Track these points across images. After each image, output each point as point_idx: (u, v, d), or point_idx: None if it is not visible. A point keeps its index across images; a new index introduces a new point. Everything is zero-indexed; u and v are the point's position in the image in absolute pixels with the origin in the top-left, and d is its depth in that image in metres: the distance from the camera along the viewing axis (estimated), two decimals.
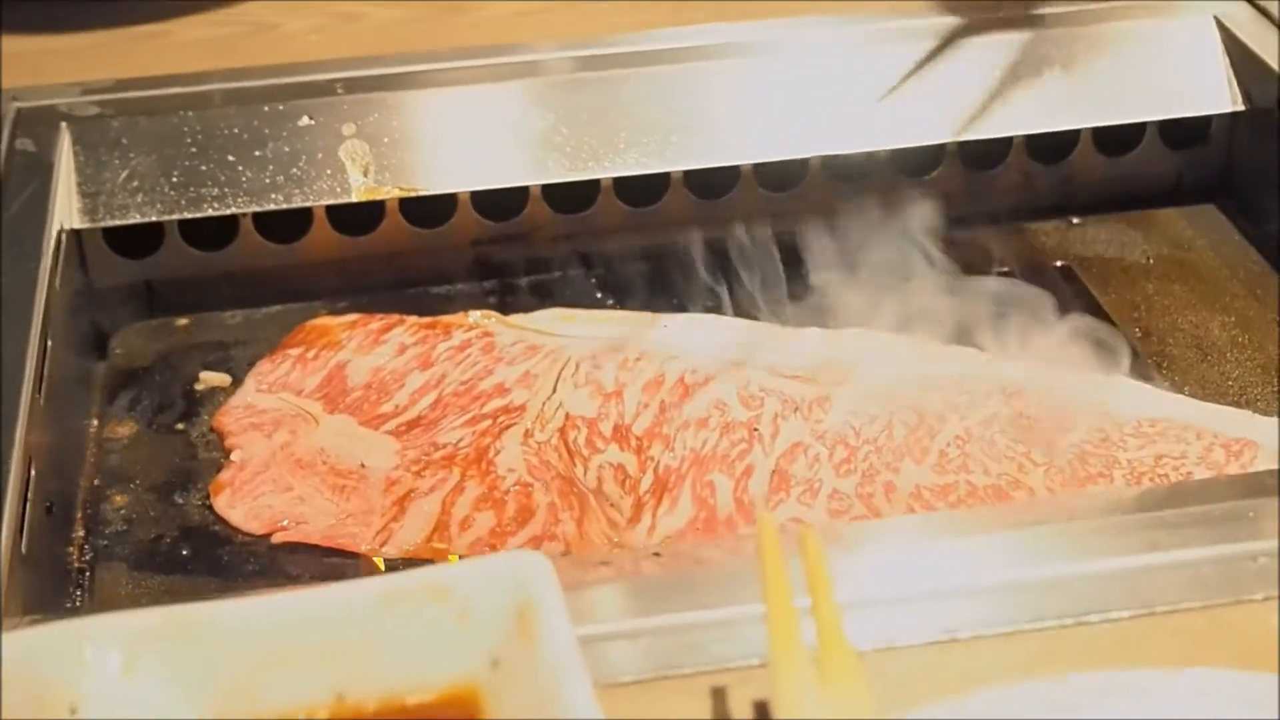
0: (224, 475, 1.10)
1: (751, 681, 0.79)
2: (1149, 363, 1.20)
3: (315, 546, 1.05)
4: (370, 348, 1.19)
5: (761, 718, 0.77)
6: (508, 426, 1.10)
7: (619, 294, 1.28)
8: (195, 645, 0.72)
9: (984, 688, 0.75)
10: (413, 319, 1.21)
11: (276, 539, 1.05)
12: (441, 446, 1.09)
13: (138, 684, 0.71)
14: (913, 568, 0.86)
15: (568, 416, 1.11)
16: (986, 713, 0.71)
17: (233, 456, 1.11)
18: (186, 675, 0.72)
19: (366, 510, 1.05)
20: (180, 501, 1.09)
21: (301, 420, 1.13)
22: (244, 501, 1.07)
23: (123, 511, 1.08)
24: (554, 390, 1.12)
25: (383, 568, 1.03)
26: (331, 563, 1.03)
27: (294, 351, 1.20)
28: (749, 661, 0.80)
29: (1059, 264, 1.31)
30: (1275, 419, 1.11)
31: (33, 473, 0.97)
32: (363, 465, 1.09)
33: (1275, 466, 1.06)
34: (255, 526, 1.06)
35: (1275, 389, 1.16)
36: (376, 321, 1.21)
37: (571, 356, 1.15)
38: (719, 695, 0.79)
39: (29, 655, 0.70)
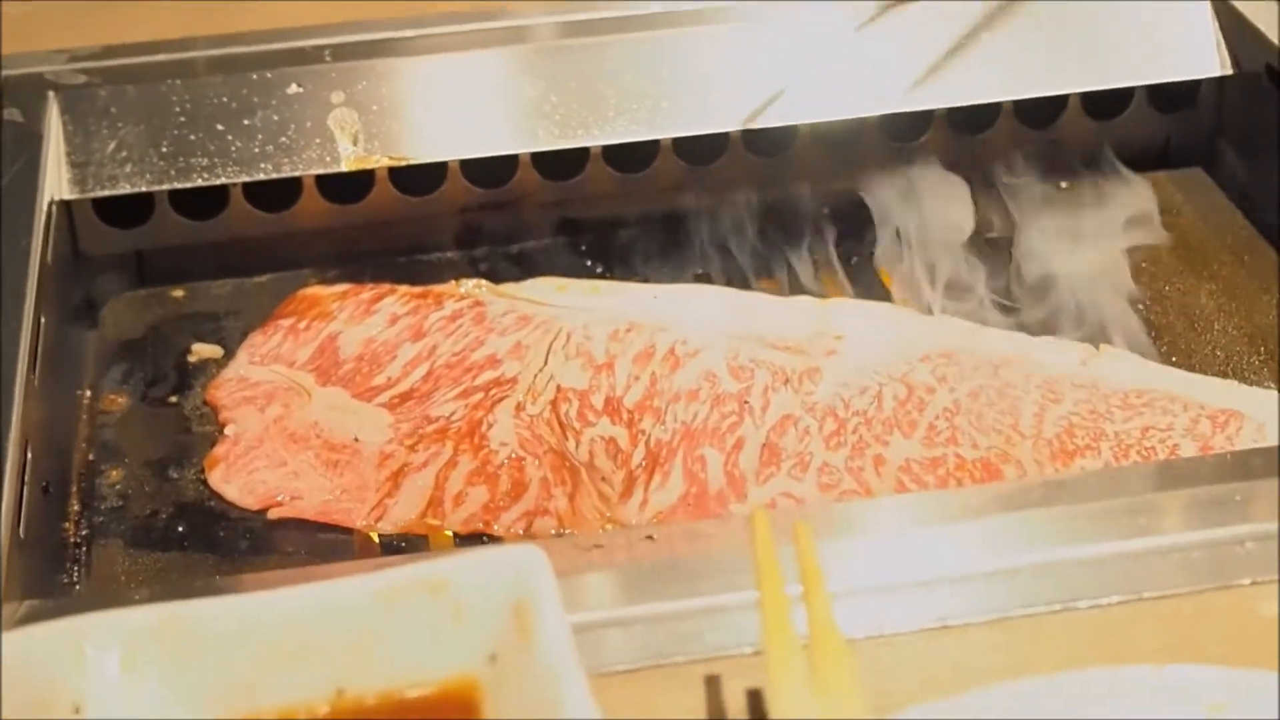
0: (218, 450, 1.10)
1: (745, 671, 0.79)
2: (1136, 331, 1.20)
3: (310, 523, 1.05)
4: (361, 318, 1.19)
5: (755, 707, 0.78)
6: (500, 399, 1.10)
7: (608, 261, 1.29)
8: (194, 643, 0.73)
9: (975, 677, 0.76)
10: (404, 289, 1.21)
11: (272, 515, 1.05)
12: (434, 420, 1.10)
13: (138, 682, 0.72)
14: (902, 555, 0.87)
15: (559, 389, 1.11)
16: (978, 711, 0.71)
17: (226, 431, 1.12)
18: (186, 673, 0.73)
19: (360, 485, 1.06)
20: (175, 477, 1.09)
21: (294, 393, 1.14)
22: (238, 476, 1.08)
23: (118, 487, 1.09)
24: (545, 362, 1.13)
25: (377, 541, 1.03)
26: (326, 538, 1.04)
27: (285, 322, 1.20)
28: (742, 650, 0.80)
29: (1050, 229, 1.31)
30: (1260, 390, 1.11)
31: (29, 455, 0.97)
32: (356, 439, 1.09)
33: (1261, 440, 1.06)
34: (250, 502, 1.07)
35: (1261, 357, 1.16)
36: (367, 291, 1.22)
37: (563, 328, 1.15)
38: (712, 684, 0.80)
39: (29, 655, 0.70)
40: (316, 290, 1.23)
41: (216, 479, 1.08)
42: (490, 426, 1.08)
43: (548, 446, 1.07)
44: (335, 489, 1.06)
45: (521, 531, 1.02)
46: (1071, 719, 0.71)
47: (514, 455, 1.06)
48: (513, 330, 1.16)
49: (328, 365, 1.16)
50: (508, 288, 1.21)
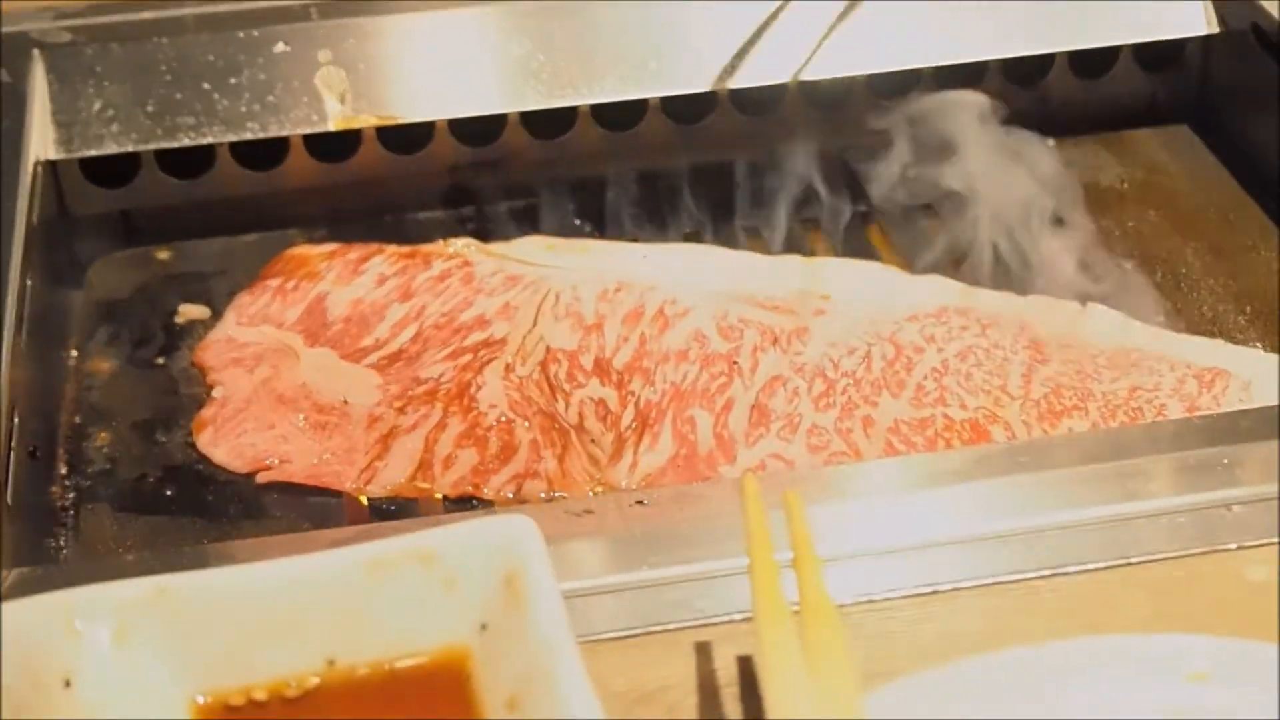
0: (206, 412, 1.10)
1: (736, 637, 0.80)
2: (1123, 289, 1.20)
3: (299, 486, 1.05)
4: (350, 278, 1.19)
5: (745, 674, 0.78)
6: (489, 360, 1.10)
7: (596, 220, 1.28)
8: (185, 615, 0.73)
9: (963, 643, 0.77)
10: (392, 248, 1.21)
11: (260, 479, 1.05)
12: (423, 381, 1.10)
13: (129, 655, 0.72)
14: (891, 520, 0.87)
15: (549, 350, 1.11)
16: (965, 681, 0.71)
17: (214, 393, 1.12)
18: (177, 645, 0.73)
19: (349, 448, 1.06)
20: (163, 440, 1.09)
21: (282, 354, 1.13)
22: (227, 439, 1.08)
23: (105, 450, 1.08)
24: (534, 323, 1.13)
25: (366, 504, 1.03)
26: (316, 502, 1.04)
27: (274, 282, 1.20)
28: (732, 616, 0.81)
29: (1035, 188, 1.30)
30: (1246, 349, 1.12)
31: (16, 419, 0.97)
32: (345, 401, 1.09)
33: (1247, 399, 1.07)
34: (238, 465, 1.07)
35: (1248, 316, 1.17)
36: (355, 251, 1.21)
37: (552, 288, 1.15)
38: (703, 651, 0.80)
39: (20, 630, 0.70)
40: (304, 250, 1.23)
41: (204, 442, 1.08)
42: (479, 388, 1.08)
43: (537, 408, 1.07)
44: (323, 452, 1.06)
45: (511, 494, 1.02)
46: (1057, 689, 0.71)
47: (503, 418, 1.06)
48: (501, 291, 1.16)
49: (316, 326, 1.16)
50: (496, 247, 1.21)
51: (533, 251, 1.20)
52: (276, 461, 1.06)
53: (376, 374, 1.11)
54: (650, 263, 1.18)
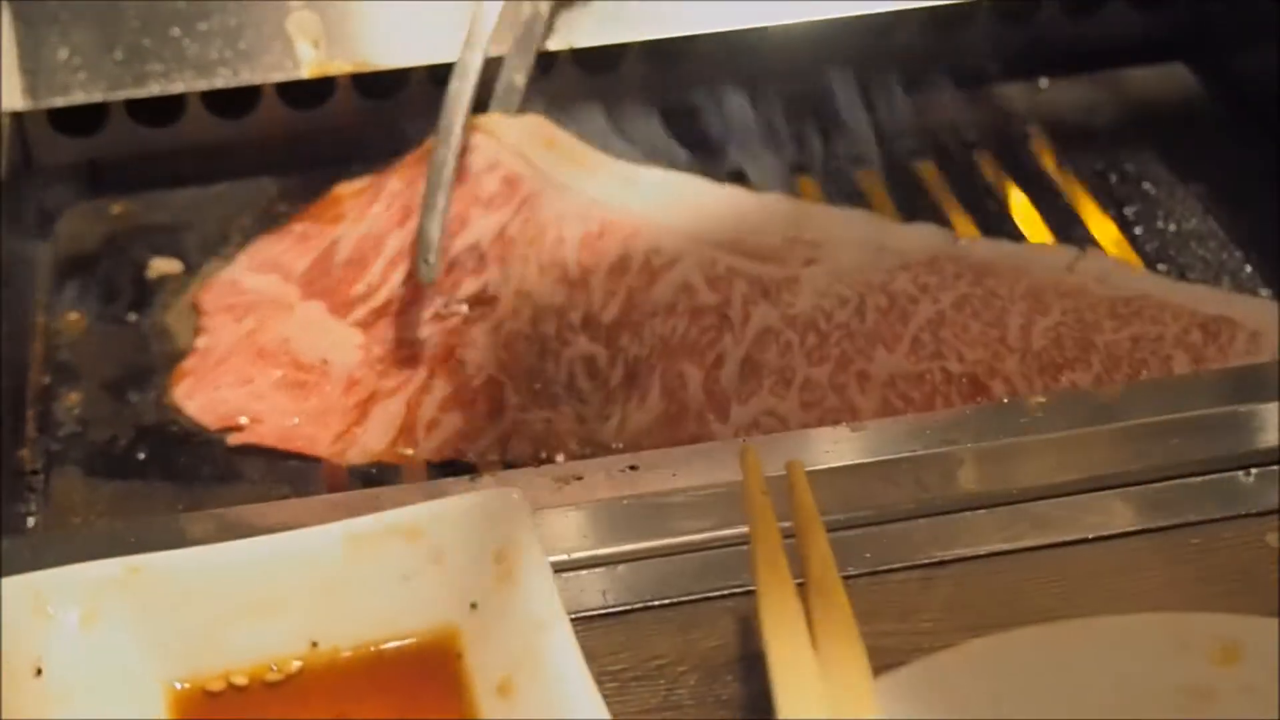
0: (187, 362, 1.08)
1: (736, 611, 0.77)
2: (1122, 233, 1.17)
3: (275, 449, 1.02)
4: (364, 212, 1.15)
5: (747, 649, 0.76)
6: (476, 321, 1.06)
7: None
8: (159, 596, 0.70)
9: (975, 615, 0.74)
10: (411, 158, 1.17)
11: (231, 440, 1.02)
12: (408, 343, 1.06)
13: (101, 637, 0.69)
14: (896, 485, 0.84)
15: (536, 307, 1.07)
16: (976, 663, 0.69)
17: (197, 342, 1.09)
18: (151, 627, 0.70)
19: (324, 410, 1.03)
20: (134, 400, 1.06)
21: (275, 306, 1.10)
22: (203, 392, 1.05)
23: (75, 411, 1.05)
24: (522, 277, 1.09)
25: (346, 468, 1.00)
26: (292, 466, 1.01)
27: (298, 227, 1.16)
28: (733, 589, 0.78)
29: (1028, 129, 1.28)
30: (1252, 297, 1.09)
31: None
32: (325, 361, 1.06)
33: (1254, 349, 1.04)
34: (209, 420, 1.04)
35: (1252, 260, 1.14)
36: (394, 179, 1.16)
37: (541, 223, 1.10)
38: (701, 626, 0.77)
39: None
40: (341, 188, 1.18)
41: (180, 393, 1.05)
42: (467, 348, 1.05)
43: (525, 366, 1.04)
44: (298, 413, 1.03)
45: (496, 456, 0.99)
46: (1074, 672, 0.68)
47: (491, 377, 1.03)
48: (499, 205, 1.11)
49: (317, 275, 1.12)
50: (499, 127, 1.15)
51: (533, 144, 1.15)
52: (248, 421, 1.02)
53: (360, 333, 1.08)
54: (637, 192, 1.14)
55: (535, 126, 1.16)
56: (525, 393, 1.02)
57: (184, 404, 1.05)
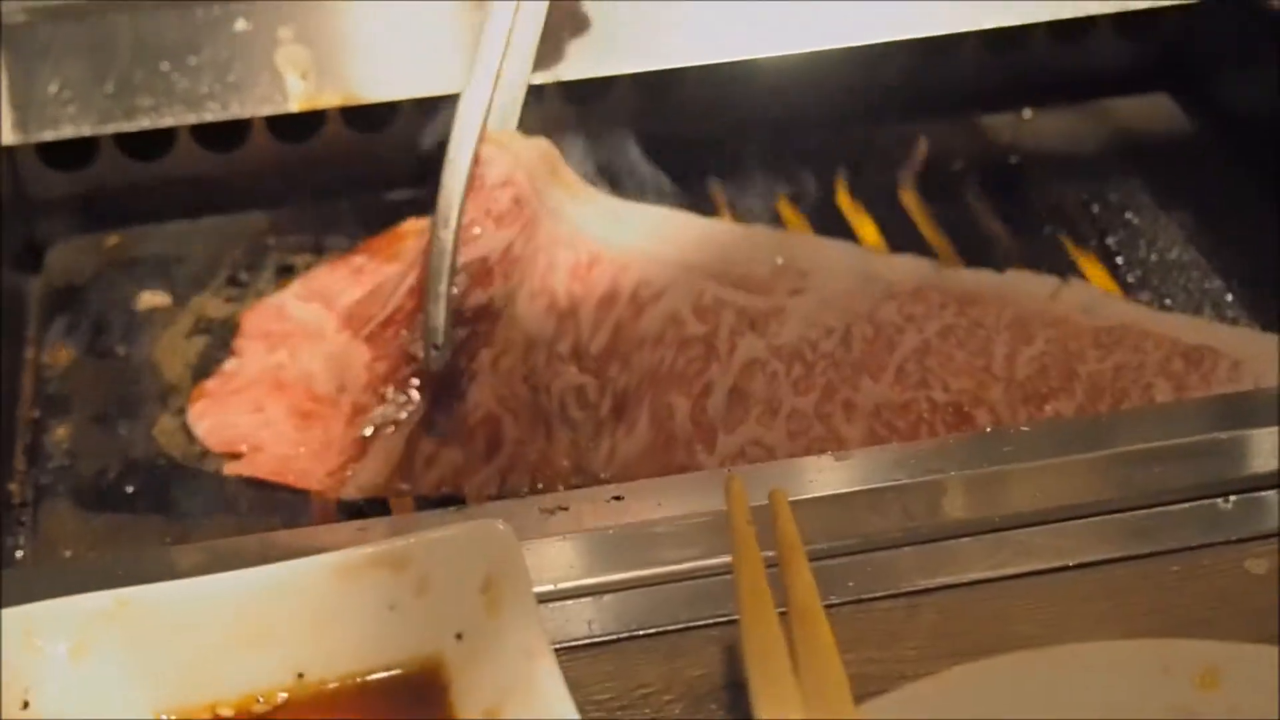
0: (209, 383, 1.09)
1: (720, 640, 0.77)
2: (1104, 263, 1.18)
3: (266, 481, 1.02)
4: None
5: (731, 678, 0.76)
6: (475, 351, 1.06)
7: None
8: (147, 628, 0.70)
9: (961, 642, 0.74)
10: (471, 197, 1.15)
11: (227, 469, 1.02)
12: (412, 359, 1.05)
13: (90, 670, 0.70)
14: (881, 513, 0.84)
15: (527, 338, 1.07)
16: (959, 689, 0.69)
17: (225, 364, 1.10)
18: (140, 660, 0.70)
19: (325, 443, 1.03)
20: (123, 433, 1.06)
21: (309, 339, 1.10)
22: (215, 415, 1.06)
23: (64, 444, 1.06)
24: (516, 305, 1.09)
25: (334, 500, 1.01)
26: (283, 497, 1.01)
27: (357, 260, 1.15)
28: (716, 618, 0.78)
29: (1013, 159, 1.29)
30: (1234, 327, 1.10)
31: None
32: (341, 389, 1.05)
33: (1235, 378, 1.04)
34: (214, 443, 1.04)
35: (1234, 290, 1.15)
36: None
37: (535, 247, 1.10)
38: (686, 655, 0.78)
39: None
40: (406, 226, 1.18)
41: (195, 412, 1.06)
42: (466, 379, 1.05)
43: (520, 401, 1.04)
44: (299, 444, 1.03)
45: (494, 490, 0.99)
46: (1057, 699, 0.69)
47: (489, 413, 1.03)
48: (508, 222, 1.09)
49: (359, 309, 1.11)
50: (515, 143, 1.14)
51: (540, 168, 1.14)
52: (249, 448, 1.02)
53: (368, 349, 1.07)
54: (626, 227, 1.14)
55: (544, 151, 1.15)
56: (523, 425, 1.02)
57: (195, 424, 1.06)
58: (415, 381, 1.04)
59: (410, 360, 1.05)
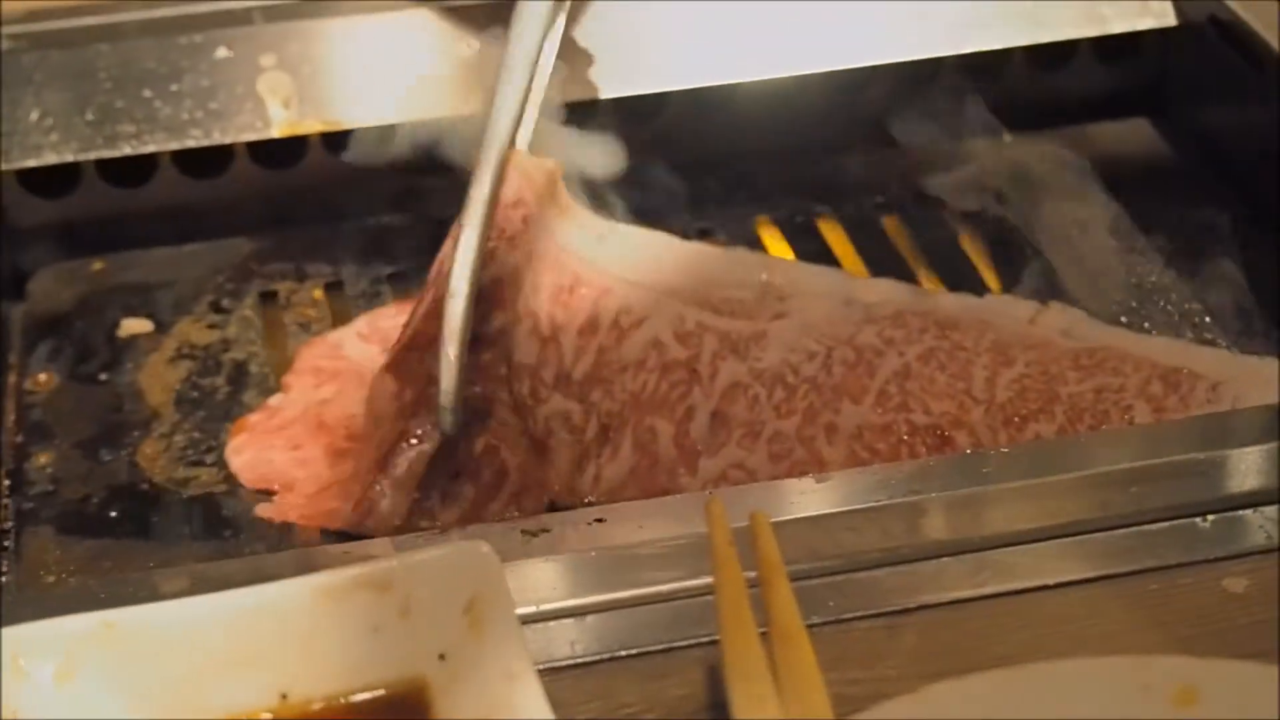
0: (252, 417, 1.09)
1: (702, 661, 0.78)
2: (1085, 287, 1.18)
3: (248, 500, 1.02)
4: None
5: (714, 698, 0.76)
6: (490, 364, 1.05)
7: None
8: (132, 650, 0.71)
9: (939, 662, 0.75)
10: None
11: (259, 512, 1.02)
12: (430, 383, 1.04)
13: (75, 692, 0.70)
14: (861, 534, 0.84)
15: (511, 365, 1.07)
16: (937, 707, 0.69)
17: (271, 400, 1.10)
18: (125, 681, 0.71)
19: (353, 478, 1.02)
20: (108, 459, 1.07)
21: (358, 379, 1.09)
22: (252, 450, 1.06)
23: (48, 471, 1.06)
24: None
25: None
26: (263, 527, 1.01)
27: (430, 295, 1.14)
28: (699, 639, 0.78)
29: (992, 183, 1.29)
30: (1212, 349, 1.10)
31: None
32: (376, 423, 1.05)
33: (1215, 400, 1.05)
34: (248, 478, 1.04)
35: (1213, 312, 1.15)
36: None
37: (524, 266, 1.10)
38: (668, 676, 0.78)
39: None
40: None
41: (232, 447, 1.07)
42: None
43: (513, 429, 1.04)
44: (332, 481, 1.02)
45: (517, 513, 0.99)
46: (1036, 716, 0.69)
47: (489, 444, 1.02)
48: (519, 244, 1.08)
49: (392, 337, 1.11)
50: (528, 165, 1.12)
51: (547, 189, 1.13)
52: (281, 489, 1.02)
53: (393, 380, 1.05)
54: (608, 248, 1.14)
55: (550, 171, 1.13)
56: (521, 455, 1.02)
57: (231, 458, 1.06)
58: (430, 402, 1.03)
59: (433, 386, 1.03)
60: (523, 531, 0.86)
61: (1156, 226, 1.24)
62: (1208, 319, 1.14)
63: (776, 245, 1.24)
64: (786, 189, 1.29)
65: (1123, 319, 1.15)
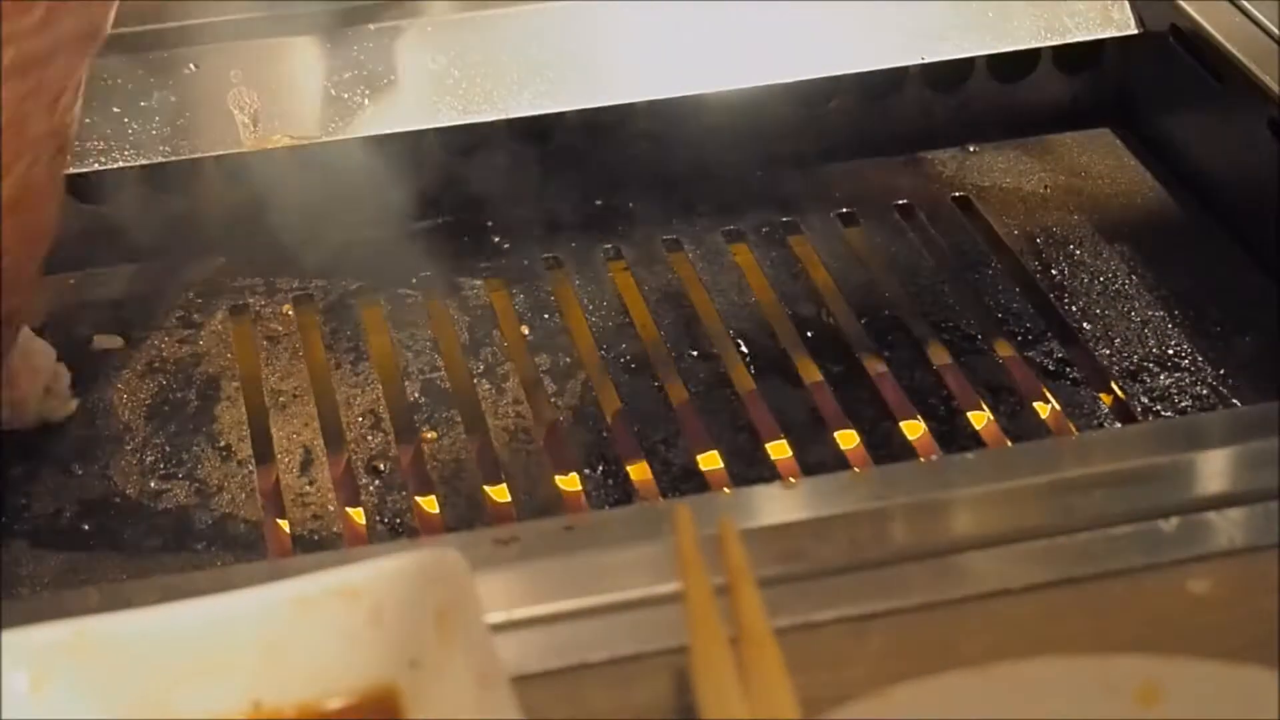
0: None
1: (671, 667, 0.78)
2: (1049, 298, 1.20)
3: (220, 517, 1.03)
4: None
5: (682, 705, 0.77)
6: None
7: (516, 233, 1.27)
8: (105, 659, 0.71)
9: (903, 665, 0.75)
10: None
11: None
12: None
13: (48, 701, 0.70)
14: (823, 540, 0.85)
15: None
16: (901, 707, 0.70)
17: None
18: (98, 689, 0.71)
19: None
20: (79, 472, 1.07)
21: None
22: None
23: (20, 484, 1.06)
24: None
25: (289, 533, 1.01)
26: (237, 533, 1.03)
27: None
28: (668, 646, 0.79)
29: (957, 195, 1.30)
30: None
31: None
32: None
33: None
34: None
35: (1175, 320, 1.16)
36: None
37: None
38: (638, 683, 0.78)
39: None
40: None
41: None
42: None
43: None
44: None
45: None
46: (1000, 716, 0.70)
47: None
48: None
49: None
50: None
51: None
52: None
53: None
54: None
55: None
56: None
57: None
58: None
59: None
60: (494, 540, 0.86)
61: (1119, 234, 1.25)
62: (1170, 325, 1.15)
63: (743, 258, 1.24)
64: (751, 203, 1.29)
65: (1085, 325, 1.15)
